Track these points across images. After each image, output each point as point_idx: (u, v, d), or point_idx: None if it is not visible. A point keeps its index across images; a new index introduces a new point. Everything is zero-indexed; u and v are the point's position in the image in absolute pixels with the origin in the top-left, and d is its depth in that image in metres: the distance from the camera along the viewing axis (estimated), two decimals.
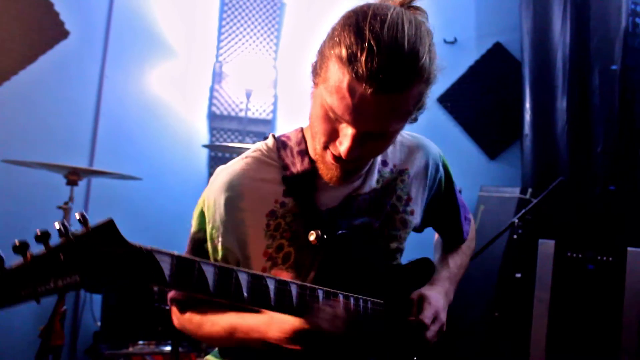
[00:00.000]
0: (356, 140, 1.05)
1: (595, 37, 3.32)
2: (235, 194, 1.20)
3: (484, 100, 4.32)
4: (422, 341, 1.25)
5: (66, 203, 2.62)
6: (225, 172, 1.24)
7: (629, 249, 2.49)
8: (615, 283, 2.54)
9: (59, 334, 2.16)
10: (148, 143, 3.70)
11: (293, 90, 3.99)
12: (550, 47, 3.56)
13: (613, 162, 3.21)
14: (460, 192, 1.54)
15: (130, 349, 2.85)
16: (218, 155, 3.86)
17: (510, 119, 4.16)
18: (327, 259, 1.19)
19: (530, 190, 3.48)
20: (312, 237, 1.15)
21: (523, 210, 2.81)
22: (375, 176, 1.30)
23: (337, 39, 1.01)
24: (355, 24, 0.99)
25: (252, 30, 3.99)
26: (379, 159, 1.32)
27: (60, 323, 2.20)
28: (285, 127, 3.81)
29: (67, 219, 2.65)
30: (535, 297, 2.83)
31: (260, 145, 1.30)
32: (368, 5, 1.03)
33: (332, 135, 1.09)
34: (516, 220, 2.77)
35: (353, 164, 1.15)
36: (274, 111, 4.00)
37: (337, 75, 1.01)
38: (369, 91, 0.97)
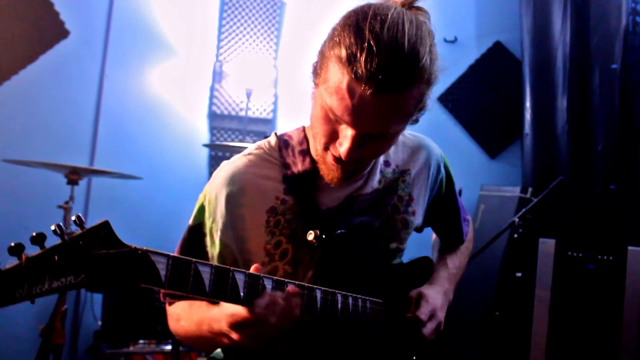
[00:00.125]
0: (356, 142, 1.05)
1: (595, 36, 3.31)
2: (236, 189, 1.21)
3: (484, 100, 4.32)
4: (419, 338, 1.25)
5: (67, 202, 2.63)
6: (227, 168, 1.24)
7: (629, 248, 2.48)
8: (615, 282, 2.54)
9: (59, 333, 2.16)
10: (148, 142, 3.70)
11: (293, 89, 3.99)
12: (550, 46, 3.56)
13: (613, 162, 3.20)
14: (460, 191, 1.55)
15: (131, 348, 2.85)
16: (218, 155, 3.86)
17: (511, 118, 4.16)
18: (326, 258, 1.19)
19: (530, 189, 3.48)
20: (310, 236, 1.16)
21: (523, 210, 2.81)
22: (377, 176, 1.30)
23: (337, 39, 1.01)
24: (355, 24, 0.99)
25: (252, 29, 3.99)
26: (381, 159, 1.31)
27: (61, 322, 2.20)
28: (285, 126, 3.82)
29: (68, 218, 2.65)
30: (535, 297, 2.83)
31: (263, 143, 1.30)
32: (369, 5, 1.02)
33: (332, 136, 1.09)
34: (516, 220, 2.77)
35: (353, 165, 1.14)
36: (274, 110, 4.00)
37: (337, 75, 1.00)
38: (369, 92, 0.96)
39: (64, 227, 0.80)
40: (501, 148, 4.34)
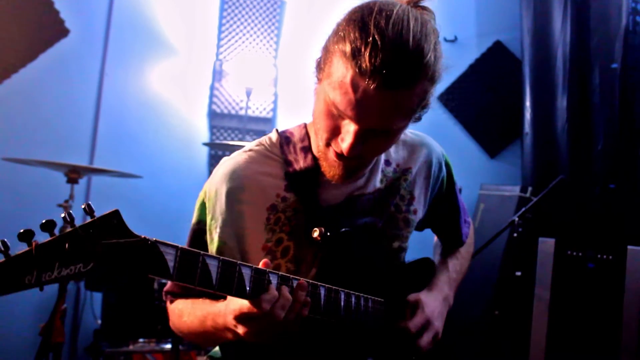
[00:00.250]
0: (358, 137, 1.04)
1: (595, 36, 3.31)
2: (237, 185, 1.20)
3: (484, 99, 4.32)
4: (414, 347, 1.25)
5: (66, 201, 2.63)
6: (228, 164, 1.24)
7: (629, 247, 2.49)
8: (615, 281, 2.54)
9: (59, 332, 2.16)
10: (148, 141, 3.70)
11: (293, 88, 3.99)
12: (550, 45, 3.56)
13: (613, 161, 3.21)
14: (460, 191, 1.54)
15: (131, 347, 2.85)
16: (218, 154, 3.86)
17: (511, 118, 4.16)
18: (329, 256, 1.19)
19: (530, 188, 3.48)
20: (315, 233, 1.15)
21: (523, 209, 2.81)
22: (379, 176, 1.30)
23: (342, 34, 1.01)
24: (360, 19, 0.99)
25: (252, 28, 3.99)
26: (382, 158, 1.31)
27: (61, 321, 2.20)
28: (285, 125, 3.83)
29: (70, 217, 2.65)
30: (535, 296, 2.83)
31: (264, 139, 1.30)
32: (374, 2, 1.02)
33: (335, 132, 1.08)
34: (516, 219, 2.77)
35: (355, 162, 1.14)
36: (274, 109, 4.00)
37: (341, 70, 1.00)
38: (372, 86, 0.96)
39: (73, 216, 0.80)
40: (501, 147, 4.34)
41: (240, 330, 1.00)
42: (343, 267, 1.20)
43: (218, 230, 1.21)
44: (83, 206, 0.82)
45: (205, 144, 3.70)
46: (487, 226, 3.50)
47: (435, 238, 1.63)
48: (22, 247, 0.77)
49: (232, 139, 3.93)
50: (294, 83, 3.99)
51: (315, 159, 1.23)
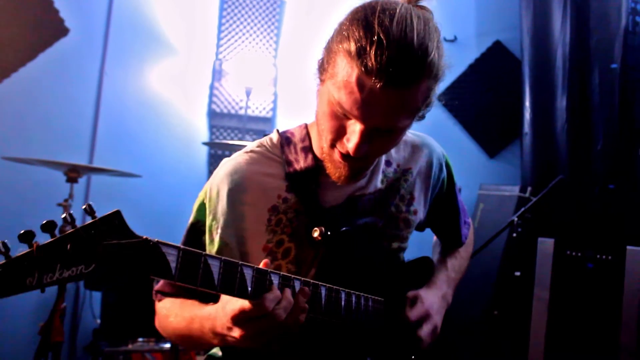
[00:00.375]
0: (364, 137, 1.04)
1: (595, 36, 3.31)
2: (238, 186, 1.20)
3: (483, 99, 4.32)
4: (415, 339, 1.24)
5: (66, 200, 2.62)
6: (229, 165, 1.23)
7: (628, 247, 2.49)
8: (614, 282, 2.54)
9: (58, 331, 2.16)
10: (148, 140, 3.70)
11: (293, 88, 3.99)
12: (550, 45, 3.56)
13: (613, 161, 3.21)
14: (459, 190, 1.54)
15: (130, 346, 2.85)
16: (218, 153, 3.86)
17: (510, 118, 4.16)
18: (329, 255, 1.19)
19: (529, 188, 3.48)
20: (315, 233, 1.15)
21: (522, 209, 2.81)
22: (379, 176, 1.29)
23: (346, 34, 1.00)
24: (364, 19, 0.99)
25: (252, 28, 3.99)
26: (383, 158, 1.31)
27: (60, 320, 2.20)
28: (285, 125, 3.84)
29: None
30: (534, 296, 2.83)
31: (265, 140, 1.30)
32: (376, 1, 1.02)
33: (340, 133, 1.08)
34: (515, 219, 2.77)
35: (361, 162, 1.13)
36: (273, 109, 4.00)
37: (346, 69, 1.00)
38: (378, 85, 0.96)
39: (74, 217, 0.80)
40: (500, 147, 4.34)
41: (236, 332, 0.97)
42: (342, 267, 1.20)
43: (219, 231, 1.20)
44: (84, 207, 0.81)
45: (204, 144, 3.70)
46: (486, 226, 3.50)
47: (435, 238, 1.63)
48: (23, 248, 0.76)
49: (232, 139, 3.93)
50: (293, 83, 3.99)
51: (316, 159, 1.23)
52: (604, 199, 3.19)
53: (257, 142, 1.30)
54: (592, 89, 3.32)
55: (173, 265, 0.87)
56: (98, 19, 3.62)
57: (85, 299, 3.33)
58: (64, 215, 0.81)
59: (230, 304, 0.98)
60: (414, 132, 1.39)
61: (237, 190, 1.20)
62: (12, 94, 3.36)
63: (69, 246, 0.78)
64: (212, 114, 3.93)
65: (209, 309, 1.06)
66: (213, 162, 3.85)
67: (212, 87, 3.93)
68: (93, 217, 0.81)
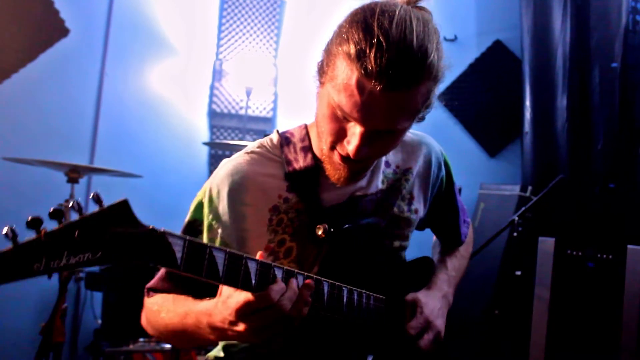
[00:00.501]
0: (365, 139, 1.04)
1: (595, 35, 3.31)
2: (239, 187, 1.20)
3: (484, 98, 4.32)
4: (414, 349, 1.24)
5: (67, 201, 2.62)
6: (229, 165, 1.23)
7: (628, 246, 2.48)
8: (615, 281, 2.54)
9: (59, 331, 2.17)
10: (148, 141, 3.71)
11: (293, 88, 3.99)
12: (550, 44, 3.56)
13: (613, 160, 3.21)
14: (460, 190, 1.54)
15: (131, 347, 2.85)
16: (218, 153, 3.86)
17: (511, 117, 4.16)
18: (332, 252, 1.19)
19: (530, 188, 3.48)
20: (319, 231, 1.15)
21: (523, 208, 2.81)
22: (380, 176, 1.30)
23: (345, 36, 1.00)
24: (364, 21, 0.99)
25: (252, 28, 3.99)
26: (382, 159, 1.31)
27: (61, 320, 2.20)
28: (285, 125, 3.84)
29: (67, 216, 2.65)
30: (535, 295, 2.83)
31: (265, 140, 1.30)
32: (375, 3, 1.02)
33: (340, 135, 1.08)
34: (516, 218, 2.77)
35: (360, 164, 1.14)
36: (274, 109, 4.00)
37: (346, 72, 1.00)
38: (379, 88, 0.96)
39: (82, 204, 0.80)
40: (501, 147, 4.34)
41: (240, 326, 0.96)
42: (345, 264, 1.20)
43: (219, 231, 1.20)
44: (92, 195, 0.82)
45: (205, 144, 3.70)
46: (487, 225, 3.50)
47: (434, 238, 1.64)
48: (29, 238, 0.76)
49: (232, 139, 3.93)
50: (293, 82, 3.99)
51: (315, 158, 1.23)
52: (605, 198, 3.19)
53: (257, 142, 1.30)
54: (592, 88, 3.31)
55: (179, 255, 0.87)
56: (98, 19, 3.63)
57: (86, 299, 3.34)
58: (71, 204, 0.81)
59: (234, 297, 0.96)
60: (412, 132, 1.38)
61: (238, 191, 1.20)
62: (13, 94, 3.36)
63: (76, 233, 0.78)
64: (213, 114, 3.93)
65: (206, 304, 1.05)
66: (213, 162, 3.85)
67: (212, 87, 3.93)
68: (101, 205, 0.82)
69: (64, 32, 3.49)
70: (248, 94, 3.74)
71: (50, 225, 0.78)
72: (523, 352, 2.89)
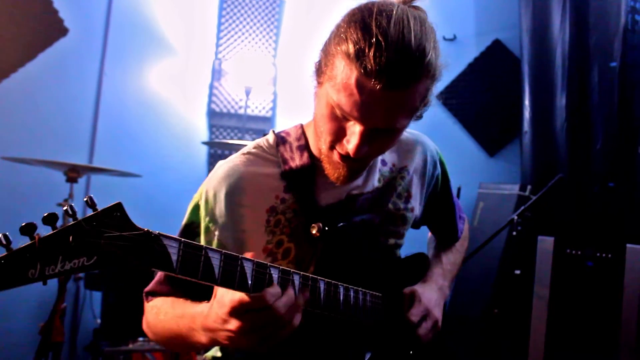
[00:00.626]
0: (364, 137, 1.05)
1: (594, 35, 3.31)
2: (236, 188, 1.19)
3: (483, 98, 4.32)
4: (414, 338, 1.25)
5: (66, 200, 2.63)
6: (226, 167, 1.23)
7: (628, 245, 2.49)
8: (614, 280, 2.54)
9: (59, 331, 2.17)
10: (147, 140, 3.70)
11: (292, 87, 3.99)
12: (549, 44, 3.56)
13: (612, 159, 3.21)
14: (459, 189, 1.55)
15: (130, 346, 2.85)
16: (217, 153, 3.86)
17: (510, 116, 4.16)
18: (327, 250, 1.19)
19: (529, 187, 3.48)
20: (314, 230, 1.15)
21: (522, 207, 2.81)
22: (377, 175, 1.30)
23: (344, 36, 1.01)
24: (362, 20, 0.99)
25: (251, 27, 3.99)
26: (379, 158, 1.32)
27: (61, 320, 2.20)
28: (284, 124, 3.84)
29: (66, 216, 2.65)
30: (534, 294, 2.83)
31: (262, 141, 1.30)
32: (372, 3, 1.02)
33: (339, 134, 1.09)
34: (515, 217, 2.77)
35: (359, 163, 1.14)
36: (273, 108, 4.00)
37: (345, 71, 1.00)
38: (378, 87, 0.97)
39: (75, 208, 0.80)
40: (500, 146, 4.34)
41: (232, 325, 0.94)
42: (340, 262, 1.20)
43: (217, 233, 1.20)
44: (85, 199, 0.81)
45: (204, 143, 3.71)
46: (486, 225, 3.50)
47: (429, 234, 1.65)
48: (24, 244, 0.76)
49: (232, 138, 3.93)
50: (293, 82, 3.99)
51: (312, 157, 1.23)
52: (604, 197, 3.19)
53: (253, 143, 1.30)
54: (591, 87, 3.32)
55: (174, 257, 0.87)
56: (97, 19, 3.62)
57: (85, 299, 3.33)
58: (65, 208, 0.80)
59: (229, 295, 0.96)
60: (408, 131, 1.39)
61: (235, 193, 1.19)
62: (12, 94, 3.36)
63: (70, 238, 0.77)
64: (212, 114, 3.93)
65: (202, 306, 1.05)
66: (213, 161, 3.85)
67: (211, 87, 3.93)
68: (94, 209, 0.81)
69: (62, 31, 3.48)
70: (247, 93, 3.74)
71: (44, 231, 0.77)
72: (522, 351, 2.90)
